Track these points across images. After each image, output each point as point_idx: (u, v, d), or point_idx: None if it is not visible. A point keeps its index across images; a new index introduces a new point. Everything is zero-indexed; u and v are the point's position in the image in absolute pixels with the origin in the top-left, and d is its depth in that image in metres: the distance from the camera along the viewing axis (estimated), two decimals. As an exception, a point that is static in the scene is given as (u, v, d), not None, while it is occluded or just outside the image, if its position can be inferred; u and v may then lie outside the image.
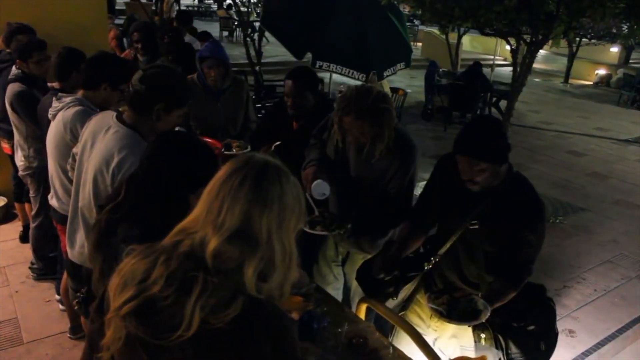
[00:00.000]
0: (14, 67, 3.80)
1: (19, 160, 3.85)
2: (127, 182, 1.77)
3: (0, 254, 4.29)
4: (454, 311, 2.15)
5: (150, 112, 2.15)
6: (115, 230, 1.72)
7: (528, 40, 5.74)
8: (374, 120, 2.49)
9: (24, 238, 4.44)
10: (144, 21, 7.41)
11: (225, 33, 17.60)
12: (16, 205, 4.60)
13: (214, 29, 16.03)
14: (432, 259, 2.44)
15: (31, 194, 3.94)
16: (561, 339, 3.99)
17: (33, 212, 3.95)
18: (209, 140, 3.23)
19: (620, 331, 4.15)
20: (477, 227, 2.25)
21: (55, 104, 2.86)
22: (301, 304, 2.21)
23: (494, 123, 2.24)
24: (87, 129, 2.33)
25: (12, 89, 3.67)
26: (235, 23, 8.84)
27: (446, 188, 2.34)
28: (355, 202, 2.79)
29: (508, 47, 6.32)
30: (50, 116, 2.87)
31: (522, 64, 5.83)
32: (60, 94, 2.89)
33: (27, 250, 4.11)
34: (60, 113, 2.81)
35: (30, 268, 4.04)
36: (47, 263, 3.96)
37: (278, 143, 3.27)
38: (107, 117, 2.26)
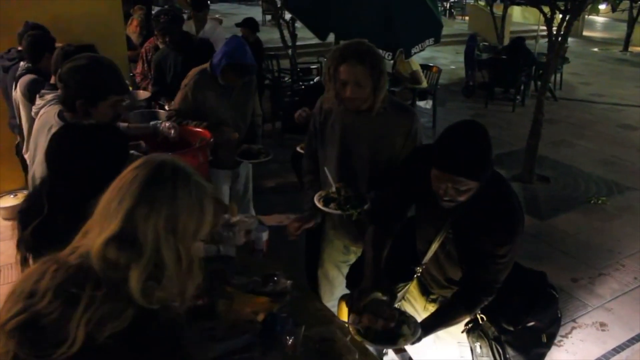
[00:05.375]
0: (22, 63, 3.80)
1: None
2: (41, 189, 1.68)
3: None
4: (371, 331, 1.92)
5: (76, 109, 2.05)
6: (43, 244, 1.65)
7: (562, 8, 5.31)
8: (374, 63, 2.30)
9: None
10: (168, 7, 7.33)
11: (268, 17, 17.51)
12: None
13: (257, 13, 15.99)
14: (418, 268, 2.27)
15: None
16: (590, 333, 3.71)
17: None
18: (199, 129, 3.13)
19: (661, 324, 3.77)
20: (452, 236, 2.04)
21: (38, 101, 2.78)
22: (266, 304, 2.09)
23: (482, 130, 1.84)
24: (34, 129, 2.28)
25: (24, 80, 3.63)
26: (278, 5, 8.82)
27: (418, 191, 2.06)
28: (372, 186, 2.56)
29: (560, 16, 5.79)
30: (32, 114, 2.82)
31: (557, 34, 5.41)
32: (43, 90, 2.83)
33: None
34: (42, 110, 2.76)
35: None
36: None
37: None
38: (49, 116, 2.20)
